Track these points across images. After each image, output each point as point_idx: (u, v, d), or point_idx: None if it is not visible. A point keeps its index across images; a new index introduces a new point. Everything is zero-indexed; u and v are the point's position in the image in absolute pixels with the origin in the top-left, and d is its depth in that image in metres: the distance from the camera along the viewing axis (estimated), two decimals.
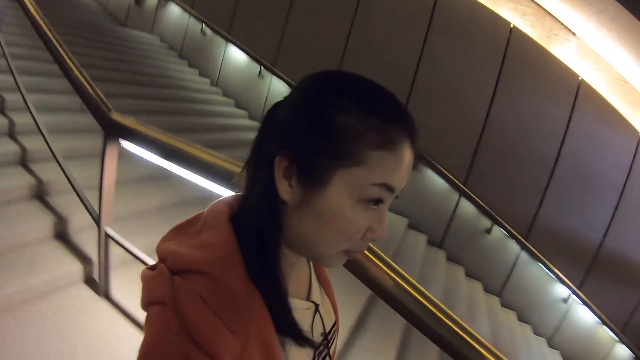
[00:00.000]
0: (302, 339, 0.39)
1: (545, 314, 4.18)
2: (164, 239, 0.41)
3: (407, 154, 0.37)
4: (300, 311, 0.42)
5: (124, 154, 1.51)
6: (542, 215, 3.94)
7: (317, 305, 0.46)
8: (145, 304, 0.36)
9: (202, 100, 4.23)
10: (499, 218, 3.83)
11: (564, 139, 3.91)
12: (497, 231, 3.93)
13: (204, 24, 4.66)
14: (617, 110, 3.99)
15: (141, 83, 3.83)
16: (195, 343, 0.31)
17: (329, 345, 0.48)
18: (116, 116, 1.46)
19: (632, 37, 3.71)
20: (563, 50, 4.09)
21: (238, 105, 4.51)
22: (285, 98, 0.40)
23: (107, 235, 1.50)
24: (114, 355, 1.32)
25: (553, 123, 3.92)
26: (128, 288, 1.60)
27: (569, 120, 3.92)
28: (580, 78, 3.94)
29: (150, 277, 0.37)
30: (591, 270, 4.13)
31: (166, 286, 0.34)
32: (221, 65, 4.61)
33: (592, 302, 4.11)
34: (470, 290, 3.75)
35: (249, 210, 0.39)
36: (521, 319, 4.13)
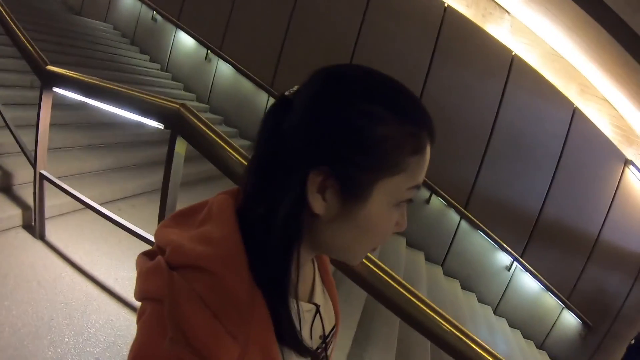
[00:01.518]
0: (303, 351, 0.38)
1: (489, 282, 4.40)
2: (164, 225, 0.40)
3: (429, 153, 0.39)
4: (303, 314, 0.41)
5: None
6: (480, 185, 4.17)
7: (318, 307, 0.46)
8: (140, 297, 0.35)
9: (152, 84, 4.41)
10: (437, 188, 4.05)
11: (498, 110, 4.16)
12: (437, 201, 4.14)
13: (154, 11, 4.86)
14: (550, 83, 4.25)
15: (91, 66, 3.99)
16: (192, 347, 0.30)
17: (327, 348, 0.47)
18: (50, 67, 1.67)
19: (559, 10, 3.98)
20: (498, 29, 4.35)
21: (187, 88, 4.70)
22: (299, 96, 0.37)
23: (42, 177, 1.69)
24: (42, 282, 1.51)
25: (487, 96, 4.16)
26: (63, 234, 1.82)
27: (503, 93, 4.16)
28: (513, 53, 4.20)
29: (147, 270, 0.36)
30: (532, 238, 4.36)
31: (164, 282, 0.33)
32: (171, 50, 4.81)
33: (536, 269, 4.34)
34: (411, 259, 3.95)
35: (263, 216, 0.36)
36: (465, 287, 4.33)
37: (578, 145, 4.28)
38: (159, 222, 1.15)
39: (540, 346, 4.73)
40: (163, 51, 4.80)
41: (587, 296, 4.66)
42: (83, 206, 1.72)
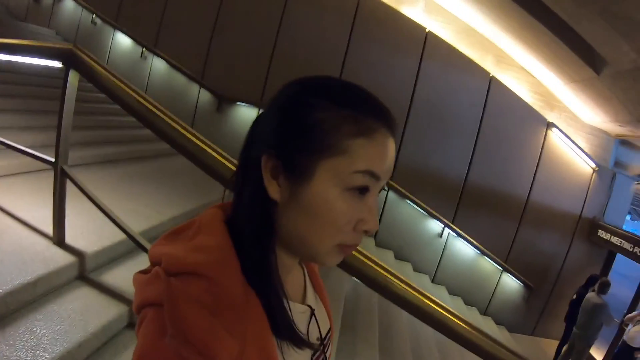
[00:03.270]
0: (299, 341, 0.41)
1: (423, 250, 4.68)
2: (157, 244, 0.42)
3: (388, 142, 0.41)
4: (297, 314, 0.44)
5: None
6: (404, 156, 4.48)
7: (312, 309, 0.49)
8: (139, 307, 0.37)
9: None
10: None
11: (415, 84, 4.51)
12: None
13: (94, 15, 5.24)
14: (465, 55, 4.61)
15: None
16: (192, 345, 0.32)
17: (325, 350, 0.50)
18: None
19: None
20: (412, 9, 4.73)
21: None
22: (266, 109, 0.43)
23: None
24: None
25: (404, 72, 4.51)
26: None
27: (419, 68, 4.52)
28: (427, 30, 4.56)
29: (145, 280, 0.38)
30: (461, 204, 4.67)
31: (162, 287, 0.35)
32: (109, 51, 5.17)
33: (469, 234, 4.63)
34: None
35: (242, 213, 0.41)
36: (400, 257, 4.61)
37: (497, 112, 4.62)
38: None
39: (484, 312, 4.99)
40: (102, 52, 5.16)
41: (525, 258, 4.94)
42: None
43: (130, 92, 1.46)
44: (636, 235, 4.84)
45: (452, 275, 4.79)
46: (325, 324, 0.52)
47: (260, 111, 0.45)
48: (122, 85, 1.47)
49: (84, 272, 1.43)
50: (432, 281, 4.74)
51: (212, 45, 4.77)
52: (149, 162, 3.32)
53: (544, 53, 4.49)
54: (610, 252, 5.22)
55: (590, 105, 4.73)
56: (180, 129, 1.40)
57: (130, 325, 1.37)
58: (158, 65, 4.94)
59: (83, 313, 1.24)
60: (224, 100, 4.70)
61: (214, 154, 1.36)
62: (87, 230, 1.58)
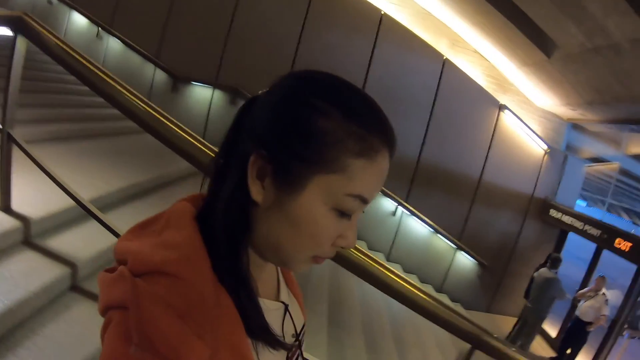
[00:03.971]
0: (274, 342, 0.40)
1: (377, 228, 4.84)
2: (123, 239, 0.41)
3: (385, 166, 0.39)
4: (270, 312, 0.43)
5: None
6: None
7: (286, 306, 0.48)
8: (104, 309, 0.35)
9: (45, 62, 4.75)
10: None
11: (369, 66, 4.62)
12: None
13: None
14: (420, 38, 4.74)
15: None
16: (158, 353, 0.30)
17: (301, 345, 0.49)
18: None
19: None
20: None
21: None
22: (263, 94, 0.40)
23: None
24: None
25: (358, 53, 4.62)
26: None
27: (373, 50, 4.63)
28: (382, 12, 4.67)
29: (109, 280, 0.36)
30: (415, 183, 4.83)
31: (127, 289, 0.33)
32: (65, 30, 5.15)
33: (423, 212, 4.79)
34: None
35: (218, 208, 0.39)
36: None
37: (450, 93, 4.77)
38: None
39: (439, 290, 5.19)
40: (58, 32, 5.13)
41: (478, 237, 5.15)
42: None
43: (78, 57, 1.52)
44: (585, 215, 5.08)
45: (406, 253, 4.97)
46: (299, 319, 0.51)
47: (259, 93, 0.41)
48: (69, 50, 1.53)
49: (29, 237, 1.46)
50: (387, 259, 4.91)
51: (168, 25, 4.80)
52: (103, 140, 3.37)
53: (497, 37, 4.65)
54: (562, 231, 5.47)
55: (542, 88, 4.92)
56: (127, 93, 1.45)
57: (74, 288, 1.41)
58: (114, 45, 4.95)
59: (26, 275, 1.27)
60: (179, 80, 4.74)
61: (161, 119, 1.42)
62: (34, 197, 1.60)
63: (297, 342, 0.48)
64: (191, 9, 4.74)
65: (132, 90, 1.46)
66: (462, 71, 4.84)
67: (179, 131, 1.43)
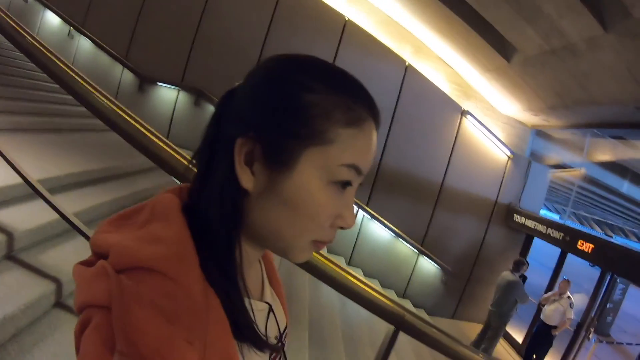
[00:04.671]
0: (261, 344, 0.39)
1: (338, 233, 4.85)
2: (101, 231, 0.38)
3: (374, 135, 0.39)
4: (256, 312, 0.42)
5: None
6: None
7: (271, 306, 0.47)
8: (81, 306, 0.33)
9: (19, 60, 4.89)
10: None
11: None
12: None
13: None
14: (383, 44, 4.90)
15: None
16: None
17: (284, 347, 0.49)
18: None
19: None
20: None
21: None
22: (240, 85, 0.40)
23: None
24: None
25: (321, 57, 4.74)
26: None
27: (336, 53, 4.78)
28: (346, 18, 4.83)
29: (90, 275, 0.34)
30: (376, 188, 4.92)
31: (111, 287, 0.31)
32: (38, 29, 5.31)
33: (384, 217, 4.87)
34: None
35: (205, 202, 0.38)
36: None
37: (412, 99, 4.90)
38: None
39: (402, 295, 5.23)
40: (31, 30, 5.30)
41: (442, 242, 5.21)
42: None
43: (23, 33, 1.64)
44: (548, 219, 5.16)
45: (368, 257, 5.02)
46: (282, 320, 0.50)
47: (239, 86, 0.40)
48: (15, 26, 1.66)
49: None
50: (348, 263, 4.96)
51: (137, 26, 4.95)
52: (65, 134, 3.47)
53: (459, 43, 4.81)
54: (528, 236, 5.54)
55: (504, 94, 5.06)
56: (68, 71, 1.55)
57: (10, 257, 1.43)
58: (84, 45, 5.10)
59: None
60: (146, 81, 4.87)
61: (122, 114, 1.51)
62: None
63: (280, 344, 0.47)
64: (161, 11, 4.90)
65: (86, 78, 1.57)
66: (424, 77, 4.98)
67: (142, 129, 1.51)
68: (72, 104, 4.03)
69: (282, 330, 0.49)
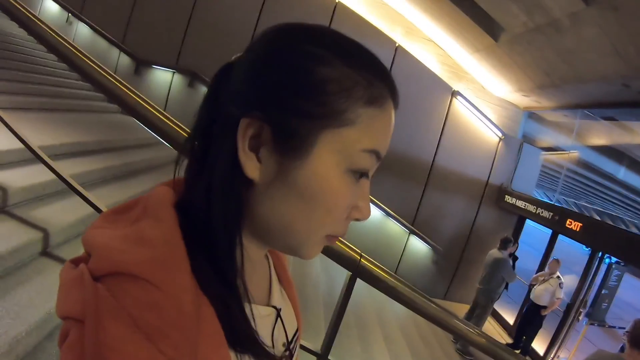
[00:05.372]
0: (263, 355, 0.35)
1: None
2: (94, 226, 0.35)
3: (393, 116, 0.36)
4: (260, 319, 0.38)
5: None
6: None
7: (278, 310, 0.43)
8: (61, 315, 0.30)
9: (21, 46, 5.11)
10: None
11: None
12: None
13: None
14: (373, 25, 5.03)
15: None
16: None
17: (292, 355, 0.45)
18: None
19: None
20: None
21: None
22: (239, 57, 0.35)
23: None
24: None
25: None
26: None
27: None
28: (337, 1, 4.96)
29: (69, 282, 0.31)
30: None
31: (86, 297, 0.28)
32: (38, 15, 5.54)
33: (375, 197, 5.00)
34: None
35: (202, 195, 0.33)
36: None
37: (402, 79, 5.01)
38: None
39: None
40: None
41: (433, 222, 5.33)
42: None
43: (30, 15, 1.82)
44: (538, 199, 5.24)
45: (358, 235, 5.15)
46: (292, 324, 0.46)
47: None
48: (21, 8, 1.83)
49: None
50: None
51: (133, 11, 5.14)
52: (68, 113, 3.67)
53: (447, 24, 4.91)
54: (520, 218, 5.63)
55: (494, 74, 5.15)
56: (68, 45, 1.72)
57: (4, 212, 1.54)
58: (83, 30, 5.30)
59: None
60: (142, 64, 5.06)
61: (126, 90, 1.66)
62: None
63: (287, 352, 0.43)
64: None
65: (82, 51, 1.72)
66: (414, 57, 5.10)
67: (142, 102, 1.59)
68: (71, 87, 4.24)
69: (291, 336, 0.44)
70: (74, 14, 5.29)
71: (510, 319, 5.66)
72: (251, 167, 0.33)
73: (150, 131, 1.62)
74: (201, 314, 0.30)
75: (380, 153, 0.35)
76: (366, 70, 0.34)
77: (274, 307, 0.43)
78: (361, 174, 0.35)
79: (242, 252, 0.34)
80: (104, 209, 1.56)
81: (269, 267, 0.47)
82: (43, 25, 1.81)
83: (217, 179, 0.33)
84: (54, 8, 5.46)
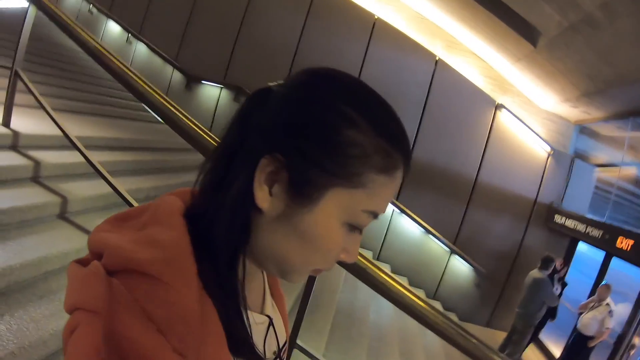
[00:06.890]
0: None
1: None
2: (99, 230, 0.38)
3: (400, 182, 0.39)
4: (255, 326, 0.42)
5: None
6: None
7: (271, 320, 0.47)
8: (71, 308, 0.33)
9: (86, 63, 5.79)
10: None
11: (362, 66, 5.09)
12: None
13: (91, 5, 6.39)
14: (414, 40, 5.18)
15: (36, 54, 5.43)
16: None
17: None
18: None
19: None
20: None
21: None
22: (280, 87, 0.39)
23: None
24: None
25: (352, 54, 5.14)
26: None
27: (366, 51, 5.12)
28: (375, 17, 5.19)
29: (81, 277, 0.34)
30: (406, 181, 5.02)
31: (101, 291, 0.31)
32: (101, 37, 6.23)
33: (414, 212, 4.99)
34: None
35: (214, 211, 0.37)
36: None
37: (443, 92, 5.08)
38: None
39: (432, 296, 5.22)
40: (96, 37, 6.25)
41: (476, 241, 5.19)
42: None
43: (75, 26, 2.16)
44: (588, 217, 4.96)
45: (397, 253, 5.12)
46: (282, 334, 0.50)
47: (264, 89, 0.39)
48: (67, 20, 2.17)
49: (17, 145, 2.09)
50: (377, 258, 5.09)
51: (186, 32, 5.67)
52: (112, 119, 4.11)
53: (486, 34, 4.95)
54: (572, 240, 5.33)
55: (538, 83, 5.06)
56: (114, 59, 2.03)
57: (37, 181, 1.87)
58: (141, 49, 5.91)
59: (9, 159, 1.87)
60: (192, 79, 5.52)
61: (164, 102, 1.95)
62: (29, 123, 2.28)
63: (278, 359, 0.47)
64: (207, 16, 5.60)
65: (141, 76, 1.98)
66: (455, 70, 5.15)
67: (185, 119, 1.72)
68: (120, 97, 4.70)
69: (281, 346, 0.48)
70: (133, 35, 5.92)
71: (557, 351, 5.28)
72: (262, 198, 0.36)
73: (183, 139, 1.79)
74: (205, 314, 0.33)
75: (379, 214, 0.39)
76: (388, 139, 0.37)
77: (268, 316, 0.47)
78: (359, 228, 0.39)
79: (244, 266, 0.38)
80: (122, 191, 1.76)
81: (264, 280, 0.51)
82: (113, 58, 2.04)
83: (229, 199, 0.37)
84: (116, 29, 6.16)
